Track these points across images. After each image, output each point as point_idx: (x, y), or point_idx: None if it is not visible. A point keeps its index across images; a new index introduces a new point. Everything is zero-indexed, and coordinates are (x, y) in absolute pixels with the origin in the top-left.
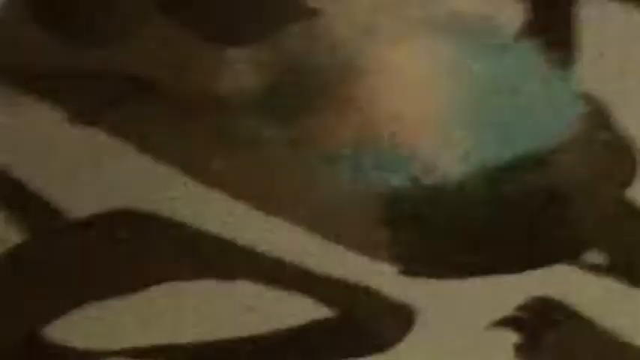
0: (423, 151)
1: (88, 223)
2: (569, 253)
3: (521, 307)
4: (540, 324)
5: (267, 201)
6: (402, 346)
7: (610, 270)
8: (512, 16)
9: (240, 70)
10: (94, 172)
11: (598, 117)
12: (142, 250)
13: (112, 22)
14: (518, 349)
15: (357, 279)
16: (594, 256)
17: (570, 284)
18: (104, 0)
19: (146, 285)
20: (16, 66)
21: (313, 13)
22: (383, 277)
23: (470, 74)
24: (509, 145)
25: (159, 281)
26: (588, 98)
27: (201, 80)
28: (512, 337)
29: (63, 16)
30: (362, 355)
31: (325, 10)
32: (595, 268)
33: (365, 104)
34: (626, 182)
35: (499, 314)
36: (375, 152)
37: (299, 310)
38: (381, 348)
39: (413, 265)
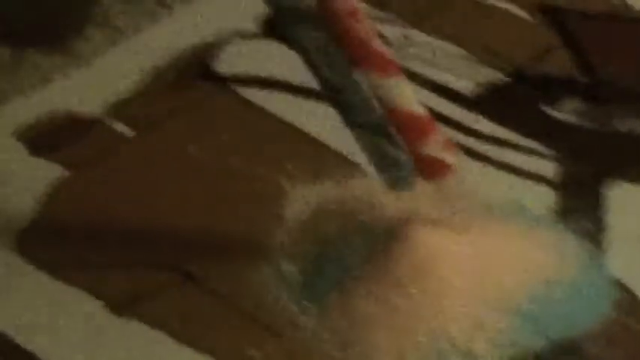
0: (458, 335)
1: None
2: None
3: None
4: None
5: None
6: None
7: None
8: (542, 201)
9: (277, 258)
10: None
11: (629, 304)
12: None
13: None
14: None
15: None
16: None
17: None
18: None
19: None
20: (57, 258)
21: None
22: None
23: (504, 259)
24: (541, 333)
25: None
26: (619, 285)
27: (238, 271)
28: None
29: None
30: None
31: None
32: None
33: (404, 289)
34: None
35: None
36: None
37: None
38: None
39: None
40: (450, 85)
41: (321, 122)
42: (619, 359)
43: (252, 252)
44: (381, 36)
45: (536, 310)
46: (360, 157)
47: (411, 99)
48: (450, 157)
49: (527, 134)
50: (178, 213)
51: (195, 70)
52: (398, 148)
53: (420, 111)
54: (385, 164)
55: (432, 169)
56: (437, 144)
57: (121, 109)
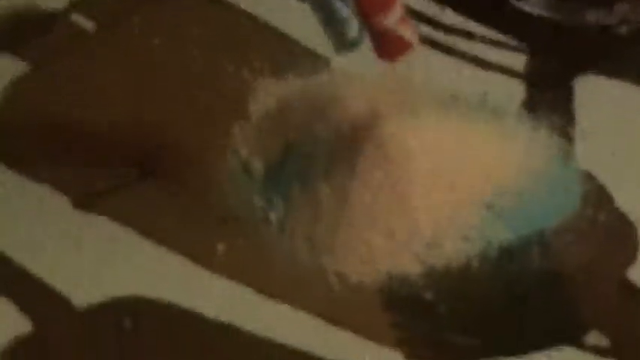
0: (427, 229)
1: (92, 312)
2: (570, 335)
3: None
4: None
5: (270, 286)
6: None
7: (612, 352)
8: (511, 94)
9: (244, 151)
10: (98, 258)
11: (598, 197)
12: (146, 338)
13: None
14: None
15: None
16: (596, 338)
17: None
18: None
19: None
20: (21, 153)
21: None
22: None
23: (472, 152)
24: (510, 226)
25: None
26: (588, 178)
27: (204, 165)
28: None
29: None
30: None
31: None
32: (597, 350)
33: (369, 182)
34: (627, 263)
35: None
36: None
37: None
38: None
39: (417, 349)
40: None
41: (288, 16)
42: (586, 252)
43: (216, 147)
44: None
45: (504, 204)
46: (325, 50)
47: None
48: (408, 33)
49: (496, 27)
50: (143, 108)
51: None
52: (346, 5)
53: None
54: (333, 23)
55: (390, 44)
56: (395, 18)
57: (83, 2)
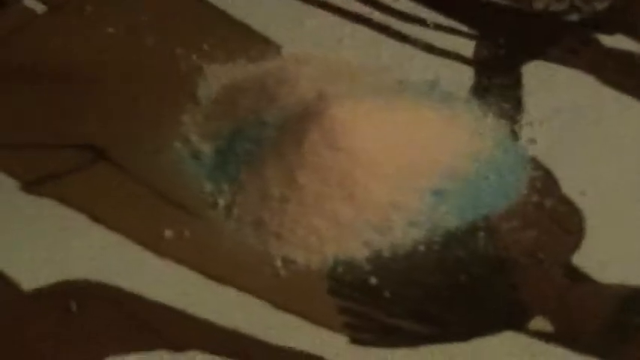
0: (373, 214)
1: (40, 295)
2: (515, 320)
3: None
4: None
5: (217, 270)
6: None
7: (555, 337)
8: (459, 80)
9: (192, 136)
10: (47, 241)
11: (545, 183)
12: (93, 322)
13: None
14: None
15: (309, 348)
16: (540, 324)
17: (517, 351)
18: None
19: (97, 357)
20: None
21: None
22: (334, 347)
23: (419, 137)
24: (456, 211)
25: (109, 353)
26: (535, 164)
27: (153, 150)
28: None
29: None
30: None
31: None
32: (541, 336)
33: (316, 166)
34: (572, 249)
35: None
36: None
37: None
38: None
39: (363, 334)
40: None
41: (239, 1)
42: (532, 238)
43: (166, 131)
44: None
45: (451, 189)
46: (276, 36)
47: None
48: None
49: (446, 13)
50: (93, 91)
51: None
52: None
53: None
54: None
55: None
56: None
57: None
